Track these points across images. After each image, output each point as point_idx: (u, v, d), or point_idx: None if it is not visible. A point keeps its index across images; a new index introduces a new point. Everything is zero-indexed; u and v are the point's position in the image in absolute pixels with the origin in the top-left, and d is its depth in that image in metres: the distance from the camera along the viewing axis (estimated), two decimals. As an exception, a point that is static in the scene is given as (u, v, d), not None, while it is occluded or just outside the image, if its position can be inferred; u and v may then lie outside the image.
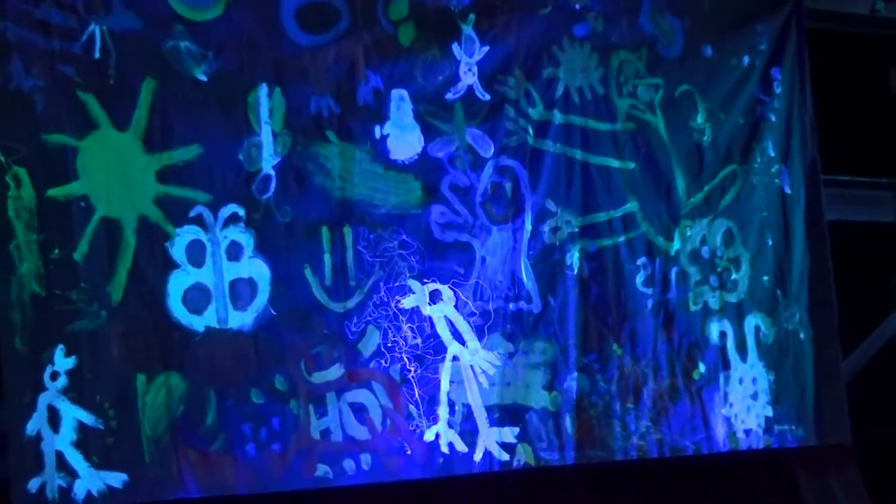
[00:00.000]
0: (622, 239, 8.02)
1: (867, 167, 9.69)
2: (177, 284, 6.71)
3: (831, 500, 8.98)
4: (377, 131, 7.31)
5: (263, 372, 6.86)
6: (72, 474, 6.29)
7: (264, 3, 7.04)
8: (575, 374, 7.74)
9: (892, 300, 9.62)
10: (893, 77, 9.94)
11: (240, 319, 6.85)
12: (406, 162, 7.38)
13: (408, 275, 7.32)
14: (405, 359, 7.25)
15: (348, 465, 7.02)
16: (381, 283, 7.24)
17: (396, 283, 7.29)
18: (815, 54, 8.73)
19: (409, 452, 7.19)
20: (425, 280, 7.38)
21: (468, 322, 7.46)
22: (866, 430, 8.88)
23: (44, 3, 6.46)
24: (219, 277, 6.82)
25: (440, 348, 7.38)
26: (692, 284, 8.25)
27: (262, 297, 6.91)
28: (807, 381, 8.59)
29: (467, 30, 7.57)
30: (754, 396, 8.38)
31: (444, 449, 7.30)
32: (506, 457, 7.47)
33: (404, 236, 7.32)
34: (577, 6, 7.92)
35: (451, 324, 7.41)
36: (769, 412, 8.42)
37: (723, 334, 8.32)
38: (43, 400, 6.26)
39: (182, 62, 6.81)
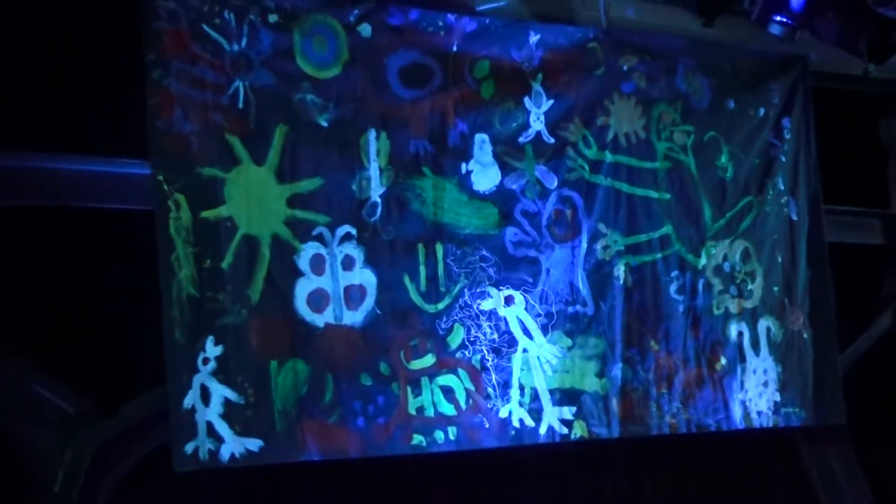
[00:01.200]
0: (659, 256, 7.97)
1: (860, 199, 9.62)
2: (302, 289, 6.73)
3: (828, 470, 8.95)
4: (463, 167, 7.31)
5: (371, 360, 6.88)
6: (219, 440, 6.35)
7: (374, 65, 7.05)
8: (620, 365, 7.71)
9: (880, 308, 9.54)
10: (882, 127, 9.85)
11: (352, 317, 6.86)
12: (486, 192, 7.37)
13: (487, 283, 7.32)
14: (484, 351, 7.25)
15: (438, 435, 7.03)
16: (466, 290, 7.24)
17: (478, 290, 7.28)
18: (818, 107, 8.67)
19: (487, 426, 7.19)
20: (501, 287, 7.37)
21: (535, 321, 7.44)
22: (859, 413, 8.83)
23: (199, 64, 6.52)
24: (335, 283, 6.84)
25: (513, 342, 7.37)
26: (716, 293, 8.19)
27: (370, 300, 6.93)
28: (809, 373, 8.49)
29: (536, 86, 7.55)
30: (765, 384, 8.31)
31: (516, 424, 7.29)
32: (565, 431, 7.45)
33: (484, 252, 7.32)
34: (625, 68, 7.88)
35: (521, 323, 7.40)
36: (777, 397, 8.34)
37: (740, 334, 8.26)
38: (197, 380, 6.32)
39: (308, 111, 6.84)
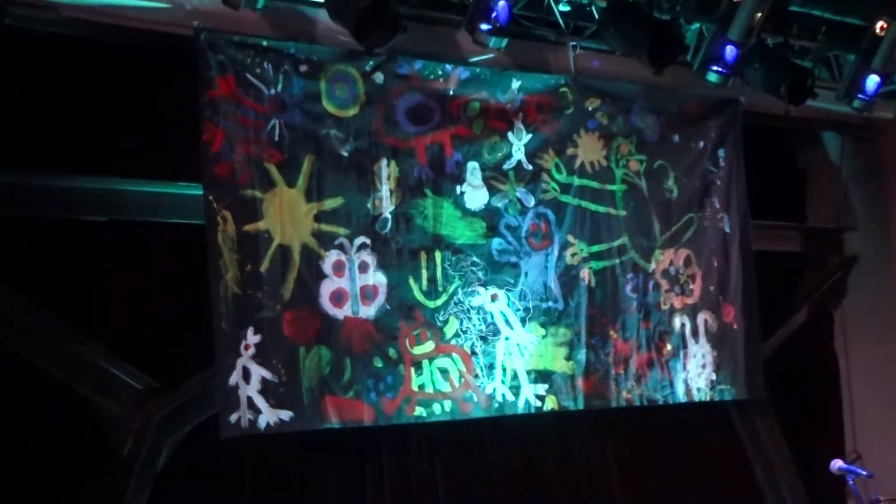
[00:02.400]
0: (617, 261, 7.96)
1: (781, 215, 9.66)
2: (326, 288, 6.75)
3: (755, 434, 9.02)
4: (458, 189, 7.32)
5: (381, 346, 6.90)
6: (257, 411, 6.38)
7: (385, 105, 7.07)
8: (585, 350, 7.71)
9: (797, 305, 9.57)
10: (799, 157, 9.88)
11: (366, 311, 6.88)
12: (477, 209, 7.38)
13: (476, 283, 7.32)
14: (474, 339, 7.27)
15: (436, 407, 7.06)
16: (459, 289, 7.25)
17: (469, 289, 7.29)
18: (748, 140, 8.67)
19: (475, 400, 7.21)
20: (488, 287, 7.38)
21: (515, 315, 7.46)
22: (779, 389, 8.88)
23: (243, 105, 6.56)
24: (353, 284, 6.85)
25: (497, 332, 7.37)
26: (663, 292, 8.18)
27: (382, 297, 6.95)
28: (738, 357, 8.47)
29: (518, 123, 7.55)
30: (703, 366, 8.31)
31: (499, 398, 7.31)
32: (539, 404, 7.47)
33: (474, 258, 7.32)
34: (590, 108, 7.89)
35: (504, 316, 7.40)
36: (713, 377, 8.34)
37: (683, 325, 8.26)
38: (239, 363, 6.35)
39: (331, 144, 6.85)
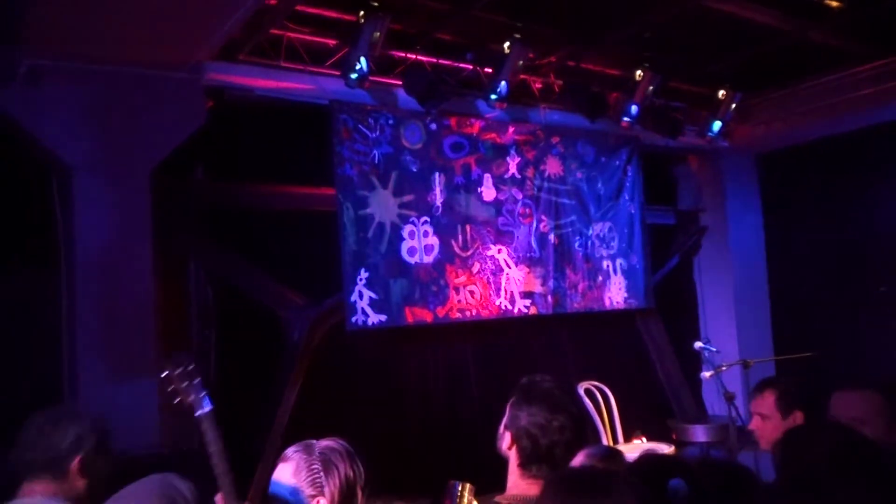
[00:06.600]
0: (570, 230, 7.67)
1: (664, 202, 9.28)
2: (404, 246, 6.54)
3: (648, 328, 8.65)
4: (479, 189, 7.03)
5: (437, 279, 6.67)
6: (366, 315, 6.23)
7: (437, 142, 6.81)
8: (552, 280, 7.46)
9: (672, 253, 9.21)
10: (674, 169, 9.44)
11: (427, 259, 6.65)
12: (489, 201, 7.10)
13: (490, 242, 7.07)
14: (489, 274, 7.02)
15: (468, 313, 6.83)
16: (480, 246, 6.99)
17: (486, 245, 7.04)
18: (645, 160, 8.27)
19: (490, 309, 7.00)
20: (496, 244, 7.13)
21: (511, 260, 7.22)
22: (662, 303, 8.53)
23: (356, 143, 6.36)
24: (420, 243, 6.64)
25: (501, 270, 7.11)
26: (596, 247, 7.90)
27: (437, 251, 6.71)
28: (640, 283, 8.16)
29: (512, 151, 7.27)
30: (619, 289, 8.03)
31: (503, 308, 7.08)
32: (526, 311, 7.24)
33: (488, 228, 7.07)
34: (554, 142, 7.59)
35: (505, 261, 7.20)
36: (625, 295, 8.04)
37: (608, 265, 7.95)
38: (356, 288, 6.20)
39: (407, 164, 6.63)
